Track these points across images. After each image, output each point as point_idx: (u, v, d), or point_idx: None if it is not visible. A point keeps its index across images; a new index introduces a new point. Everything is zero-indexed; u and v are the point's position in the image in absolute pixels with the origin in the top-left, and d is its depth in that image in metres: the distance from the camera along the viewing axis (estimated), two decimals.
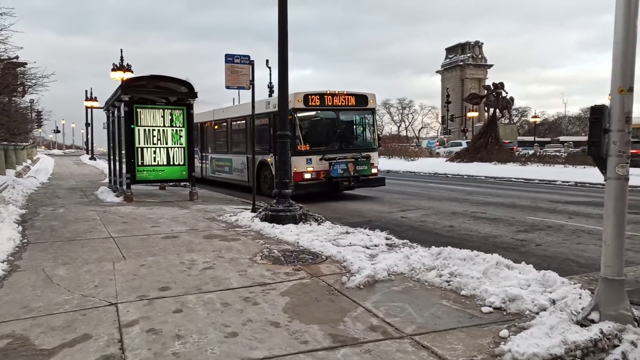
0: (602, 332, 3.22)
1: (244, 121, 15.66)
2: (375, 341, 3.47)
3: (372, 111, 14.31)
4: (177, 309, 4.15)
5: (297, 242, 6.73)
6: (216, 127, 18.18)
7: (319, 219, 8.48)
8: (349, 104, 13.57)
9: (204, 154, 18.53)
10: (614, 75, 3.48)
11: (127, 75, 24.99)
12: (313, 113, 13.51)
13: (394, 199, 13.30)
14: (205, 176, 17.91)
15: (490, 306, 4.08)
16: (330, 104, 13.25)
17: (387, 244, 6.62)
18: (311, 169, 12.81)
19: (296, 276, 5.16)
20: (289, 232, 7.36)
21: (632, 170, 3.60)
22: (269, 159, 13.65)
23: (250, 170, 13.87)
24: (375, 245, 6.50)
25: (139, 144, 11.82)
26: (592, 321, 3.40)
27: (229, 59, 9.49)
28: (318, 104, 13.11)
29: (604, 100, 3.54)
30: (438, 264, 5.06)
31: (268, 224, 7.99)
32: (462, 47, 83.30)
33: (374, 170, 13.72)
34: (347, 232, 7.47)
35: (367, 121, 14.28)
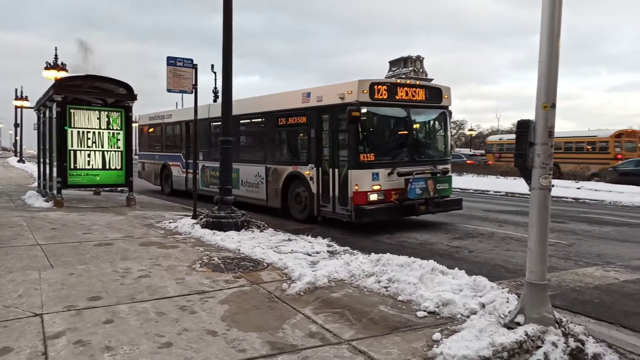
0: (526, 334, 3.40)
1: (263, 119, 11.83)
2: (314, 347, 3.49)
3: (447, 110, 10.59)
4: (108, 320, 3.96)
5: (239, 249, 6.64)
6: (215, 127, 13.32)
7: (261, 225, 8.41)
8: (422, 98, 10.08)
9: (190, 160, 12.97)
10: (539, 92, 3.72)
11: (62, 74, 23.67)
12: (379, 110, 9.64)
13: None
14: (193, 189, 10.26)
15: (425, 310, 4.22)
16: (401, 97, 9.70)
17: (328, 251, 6.67)
18: (378, 187, 9.21)
19: (236, 284, 5.08)
20: (230, 239, 7.24)
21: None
22: (307, 172, 10.11)
23: (272, 187, 11.24)
24: (317, 252, 6.54)
25: (72, 146, 11.23)
26: (518, 324, 3.59)
27: (171, 61, 9.26)
28: (386, 97, 9.42)
29: (533, 115, 3.77)
30: (377, 270, 5.17)
31: (209, 231, 7.83)
32: (404, 61, 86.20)
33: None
34: (290, 239, 7.46)
35: (441, 123, 10.73)
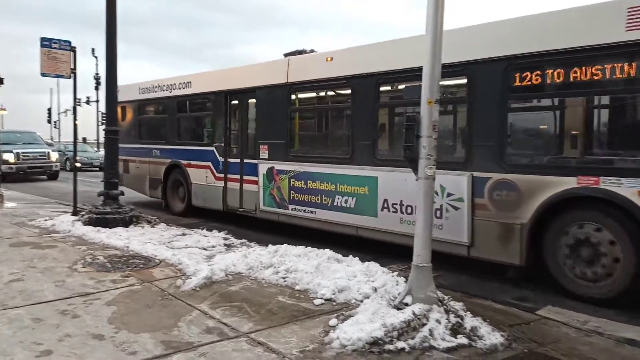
0: (414, 313, 3.66)
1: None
2: (211, 343, 3.41)
3: None
4: None
5: (127, 247, 6.24)
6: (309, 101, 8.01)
7: (152, 221, 7.99)
8: None
9: (233, 160, 8.62)
10: (424, 89, 3.99)
11: None
12: None
13: None
14: (253, 208, 8.09)
15: (322, 298, 4.33)
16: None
17: (225, 244, 6.56)
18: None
19: (125, 283, 4.77)
20: (117, 236, 6.78)
21: None
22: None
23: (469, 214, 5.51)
24: (213, 246, 6.39)
25: None
26: (406, 304, 3.84)
27: (46, 43, 8.35)
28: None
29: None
30: (275, 261, 5.19)
31: (92, 228, 7.24)
32: (298, 54, 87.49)
33: None
34: (184, 234, 7.20)
35: None
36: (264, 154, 7.95)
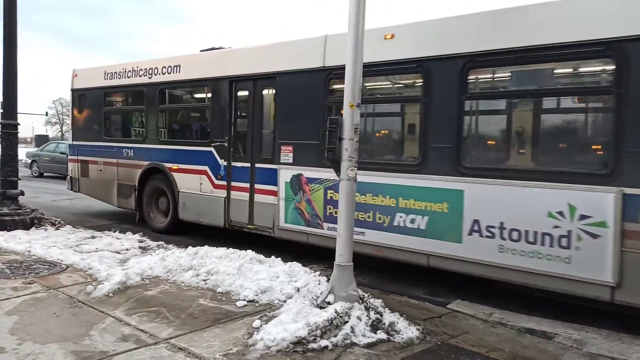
0: (336, 312, 3.75)
1: None
2: (128, 351, 3.25)
3: None
4: None
5: (29, 251, 5.74)
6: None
7: (56, 223, 7.42)
8: None
9: (240, 164, 6.92)
10: (347, 93, 4.10)
11: None
12: None
13: None
14: (269, 225, 6.54)
15: (244, 300, 4.29)
16: None
17: (140, 247, 6.27)
18: None
19: (28, 290, 4.39)
20: (16, 240, 6.21)
21: None
22: None
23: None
24: (127, 250, 6.08)
25: None
26: (329, 303, 3.93)
27: None
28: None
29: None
30: (195, 264, 5.05)
31: None
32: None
33: None
34: (93, 237, 6.76)
35: None
36: (286, 157, 6.26)
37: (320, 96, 5.98)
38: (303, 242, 6.18)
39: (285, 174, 6.26)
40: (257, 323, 3.74)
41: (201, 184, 7.23)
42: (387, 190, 5.43)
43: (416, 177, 5.20)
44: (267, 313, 3.99)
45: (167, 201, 7.83)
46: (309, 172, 6.03)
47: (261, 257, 5.26)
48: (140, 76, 8.26)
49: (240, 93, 7.01)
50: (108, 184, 8.75)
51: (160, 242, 6.52)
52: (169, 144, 7.91)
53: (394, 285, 5.38)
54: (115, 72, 8.74)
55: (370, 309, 3.94)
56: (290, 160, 6.23)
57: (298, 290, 4.42)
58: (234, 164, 6.93)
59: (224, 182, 6.98)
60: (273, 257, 5.31)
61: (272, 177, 6.41)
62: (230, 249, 5.41)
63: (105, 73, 8.91)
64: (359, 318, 3.76)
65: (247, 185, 6.75)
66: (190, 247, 5.58)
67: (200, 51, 7.92)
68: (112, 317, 3.83)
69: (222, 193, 6.99)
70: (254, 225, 6.67)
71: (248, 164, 6.78)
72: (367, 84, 5.63)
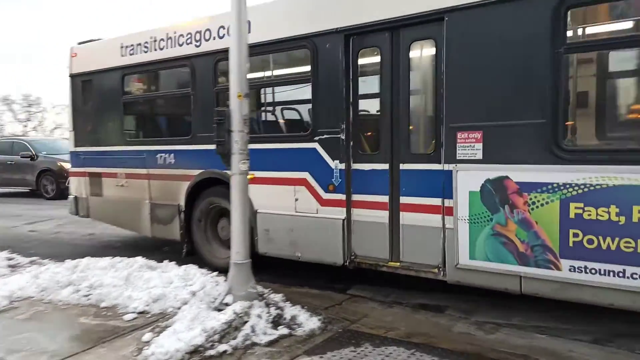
0: (235, 313, 3.58)
1: None
2: None
3: None
4: None
5: None
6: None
7: None
8: None
9: (415, 164, 4.26)
10: (232, 83, 3.91)
11: None
12: None
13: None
14: (434, 264, 4.15)
15: (134, 312, 3.95)
16: None
17: (9, 265, 5.52)
18: None
19: None
20: None
21: None
22: None
23: None
24: None
25: None
26: (227, 304, 3.75)
27: None
28: None
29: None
30: (75, 278, 4.56)
31: None
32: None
33: None
34: None
35: None
36: (470, 150, 3.91)
37: (544, 39, 3.53)
38: (509, 291, 3.81)
39: (468, 179, 3.92)
40: (147, 336, 3.44)
41: (297, 199, 4.87)
42: None
43: None
44: (159, 324, 3.70)
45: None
46: (523, 174, 3.68)
47: (152, 262, 4.89)
48: (181, 45, 5.68)
49: (364, 54, 4.63)
50: (135, 205, 6.18)
51: (33, 258, 5.80)
52: (271, 141, 5.16)
53: (297, 278, 5.31)
54: (139, 44, 6.05)
55: (271, 305, 3.84)
56: (479, 156, 3.88)
57: (194, 294, 4.16)
58: (356, 166, 4.61)
59: (339, 196, 4.62)
60: (166, 261, 4.96)
61: (434, 185, 4.12)
62: (117, 257, 4.94)
63: (122, 47, 6.21)
64: (259, 316, 3.63)
65: (385, 198, 4.44)
66: (68, 261, 5.01)
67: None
68: None
69: (337, 212, 4.63)
70: (400, 263, 4.39)
71: (385, 165, 4.45)
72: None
